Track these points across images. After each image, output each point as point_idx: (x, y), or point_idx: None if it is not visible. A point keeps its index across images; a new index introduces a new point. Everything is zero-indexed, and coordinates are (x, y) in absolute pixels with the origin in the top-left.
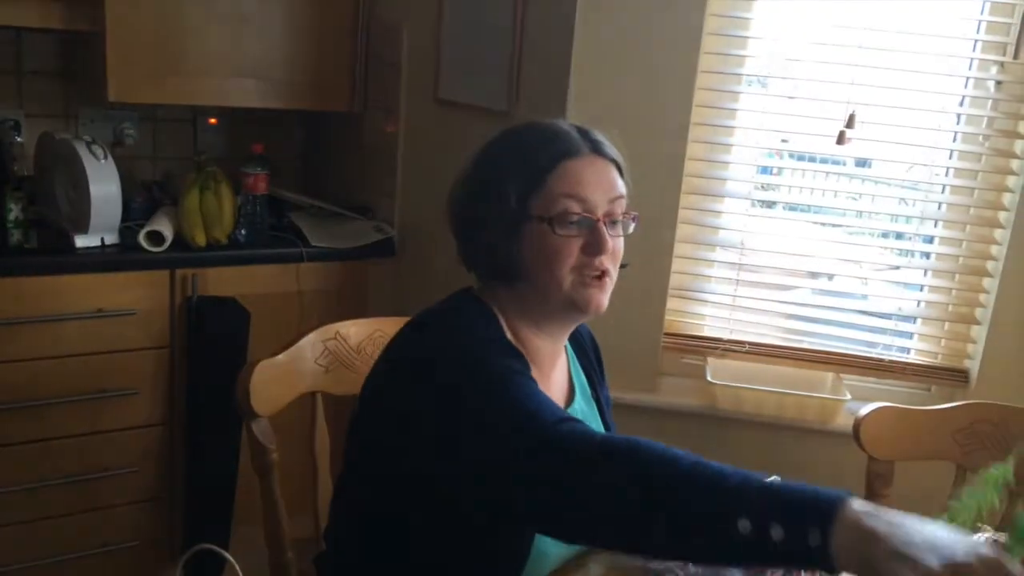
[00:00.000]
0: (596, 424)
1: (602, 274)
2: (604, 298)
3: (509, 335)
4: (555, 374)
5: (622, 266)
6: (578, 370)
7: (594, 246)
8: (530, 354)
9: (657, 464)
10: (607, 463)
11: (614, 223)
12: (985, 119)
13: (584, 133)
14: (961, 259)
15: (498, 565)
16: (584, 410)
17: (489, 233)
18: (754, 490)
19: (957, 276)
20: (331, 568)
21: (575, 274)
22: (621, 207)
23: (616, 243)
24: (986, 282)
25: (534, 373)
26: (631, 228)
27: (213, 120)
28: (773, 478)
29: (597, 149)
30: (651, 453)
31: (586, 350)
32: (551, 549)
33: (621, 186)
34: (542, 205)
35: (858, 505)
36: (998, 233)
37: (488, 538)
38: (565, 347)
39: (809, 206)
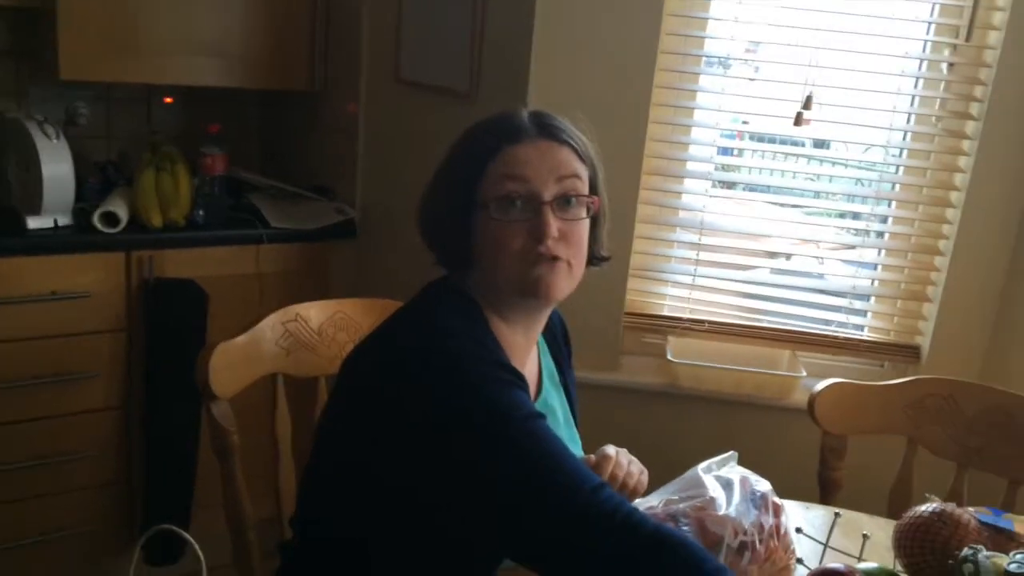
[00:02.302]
0: (564, 409)
1: (553, 259)
2: (557, 279)
3: (493, 331)
4: (528, 366)
5: (604, 258)
6: (546, 355)
7: (538, 229)
8: (504, 348)
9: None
10: (655, 552)
11: (567, 205)
12: (938, 101)
13: (537, 118)
14: (914, 238)
15: (472, 567)
16: (553, 396)
17: (443, 226)
18: None
19: (910, 255)
20: (297, 557)
21: (521, 260)
22: (576, 187)
23: (572, 228)
24: (937, 260)
25: None
26: (591, 212)
27: (168, 99)
28: (730, 453)
29: (546, 132)
30: (697, 557)
31: (555, 334)
32: None
33: (576, 166)
34: (485, 190)
35: None
36: (949, 213)
37: (464, 547)
38: None
39: (768, 187)
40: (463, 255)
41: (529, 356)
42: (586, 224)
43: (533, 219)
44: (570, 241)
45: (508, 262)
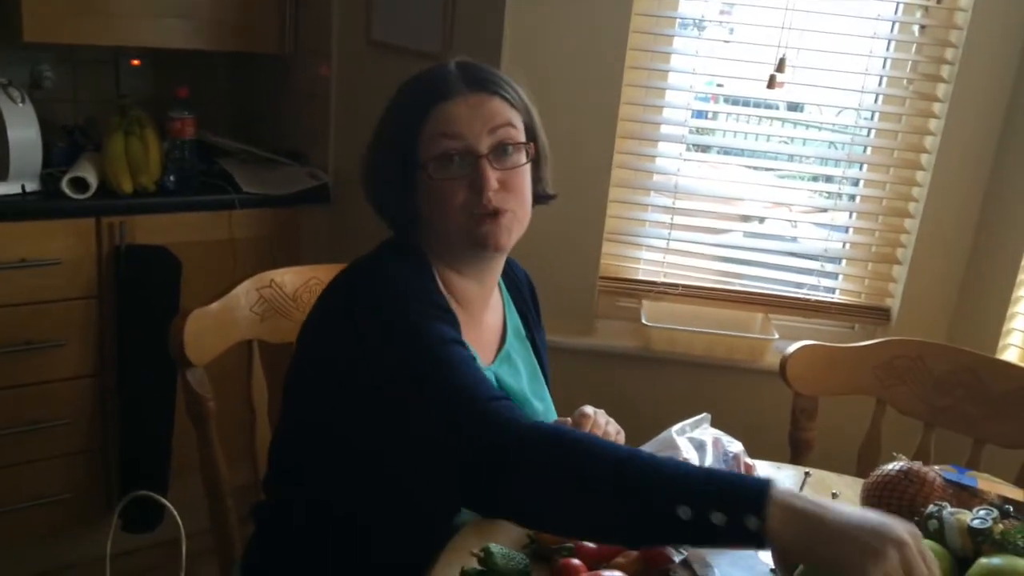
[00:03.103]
0: (529, 364)
1: (496, 212)
2: (503, 233)
3: (440, 281)
4: (487, 317)
5: (549, 196)
6: (512, 311)
7: (477, 183)
8: (459, 298)
9: (594, 454)
10: (545, 448)
11: (504, 155)
12: (909, 63)
13: (465, 70)
14: (885, 201)
15: (433, 517)
16: (517, 350)
17: (386, 189)
18: (691, 478)
19: (880, 218)
20: (269, 518)
21: (466, 215)
22: (511, 136)
23: (512, 177)
24: (907, 223)
25: (463, 317)
26: (529, 157)
27: (136, 61)
28: (704, 415)
29: (476, 85)
30: (587, 442)
31: (521, 291)
32: None
33: (509, 114)
34: (422, 150)
35: (782, 490)
36: (920, 175)
37: (420, 495)
38: (500, 288)
39: (742, 150)
40: (409, 215)
41: (488, 306)
42: (526, 170)
43: (472, 174)
44: (511, 189)
45: (453, 217)
